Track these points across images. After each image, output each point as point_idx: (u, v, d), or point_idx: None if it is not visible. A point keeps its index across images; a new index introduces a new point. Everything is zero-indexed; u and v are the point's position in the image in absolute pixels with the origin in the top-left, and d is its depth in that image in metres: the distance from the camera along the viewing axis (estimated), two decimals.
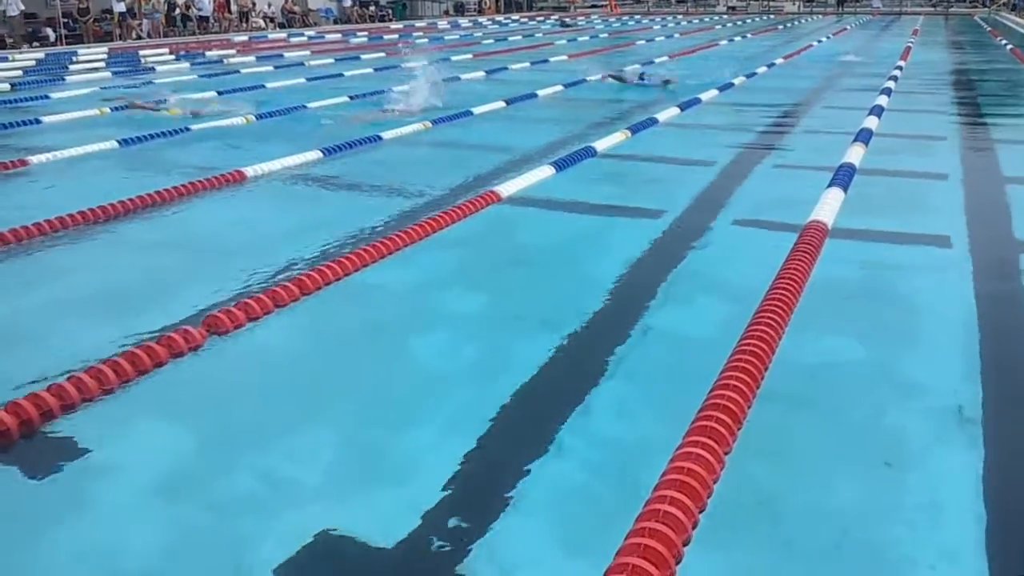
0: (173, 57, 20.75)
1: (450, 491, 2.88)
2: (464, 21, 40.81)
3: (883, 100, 11.47)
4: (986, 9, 45.77)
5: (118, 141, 8.94)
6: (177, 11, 30.66)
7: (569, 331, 4.17)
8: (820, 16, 46.38)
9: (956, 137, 9.37)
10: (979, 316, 4.28)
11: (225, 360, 3.93)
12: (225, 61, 19.84)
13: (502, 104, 11.84)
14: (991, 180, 7.34)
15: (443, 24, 37.60)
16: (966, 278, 4.82)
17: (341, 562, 2.57)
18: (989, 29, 31.01)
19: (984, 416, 3.31)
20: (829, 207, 5.80)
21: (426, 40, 27.72)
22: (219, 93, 13.40)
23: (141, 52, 21.45)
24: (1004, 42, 23.73)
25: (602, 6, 53.71)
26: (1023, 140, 9.51)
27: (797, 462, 3.08)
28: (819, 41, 25.09)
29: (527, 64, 18.36)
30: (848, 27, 34.28)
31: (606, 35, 30.15)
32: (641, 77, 14.29)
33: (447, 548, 2.59)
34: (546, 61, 19.15)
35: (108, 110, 11.33)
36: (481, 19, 43.04)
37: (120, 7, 27.42)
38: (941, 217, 6.06)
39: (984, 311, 4.34)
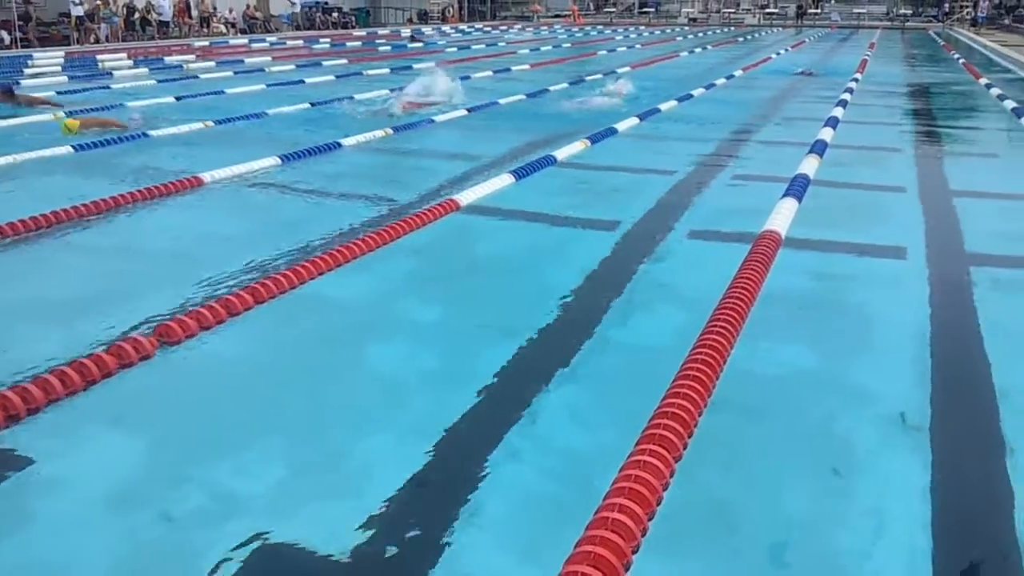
0: (131, 62, 20.49)
1: (405, 500, 2.87)
2: (427, 29, 40.79)
3: (839, 112, 11.67)
4: (940, 24, 46.76)
5: (73, 146, 8.83)
6: (137, 15, 30.29)
7: (526, 339, 4.18)
8: (779, 29, 47.07)
9: (910, 149, 9.54)
10: (930, 326, 4.35)
11: (176, 370, 3.87)
12: (185, 66, 19.66)
13: (463, 112, 11.86)
14: (944, 192, 7.49)
15: (406, 32, 37.55)
16: (918, 289, 4.90)
17: (295, 574, 2.55)
18: (943, 43, 31.69)
19: (931, 424, 3.37)
20: (783, 217, 5.88)
21: (389, 47, 27.68)
22: (177, 99, 13.29)
23: (99, 57, 21.15)
24: (957, 56, 24.25)
25: (565, 16, 54.02)
26: (976, 153, 9.71)
27: (748, 469, 3.11)
28: (778, 54, 25.45)
29: (489, 72, 18.40)
30: (807, 40, 34.82)
31: (568, 45, 30.30)
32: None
33: (402, 557, 2.58)
34: (508, 70, 19.21)
35: (62, 114, 11.15)
36: (445, 27, 43.06)
37: (78, 11, 27.02)
38: (894, 228, 6.16)
39: (935, 321, 4.42)
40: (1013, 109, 12.35)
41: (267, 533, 2.67)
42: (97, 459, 3.17)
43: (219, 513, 2.81)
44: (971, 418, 3.49)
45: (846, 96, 13.58)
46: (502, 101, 13.11)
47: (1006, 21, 38.66)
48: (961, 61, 22.26)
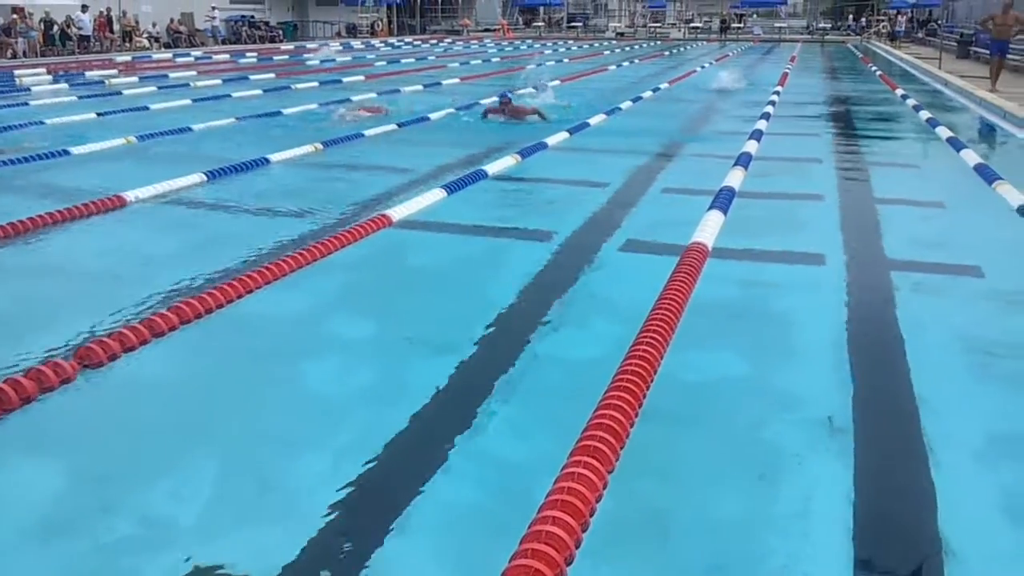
0: (51, 78, 19.96)
1: (340, 519, 2.85)
2: (357, 43, 40.59)
3: (762, 124, 11.94)
4: (858, 37, 48.30)
5: None
6: (56, 29, 29.49)
7: (461, 354, 4.17)
8: (704, 42, 48.02)
9: (830, 159, 9.81)
10: (850, 330, 4.47)
11: (100, 394, 3.77)
12: (107, 82, 19.21)
13: (394, 127, 11.81)
14: (862, 200, 7.71)
15: (335, 45, 37.31)
16: (839, 294, 5.03)
17: None
18: (861, 56, 32.74)
19: (854, 426, 3.46)
20: (710, 229, 5.99)
21: (317, 61, 27.46)
22: (99, 115, 12.97)
23: (16, 72, 20.53)
24: (874, 68, 25.07)
25: (495, 30, 54.31)
26: (892, 162, 10.01)
27: (680, 477, 3.16)
28: (703, 67, 25.95)
29: (419, 87, 18.39)
30: (730, 53, 35.57)
31: (498, 59, 30.45)
32: (502, 105, 12.47)
33: None
34: (439, 84, 19.21)
35: None
36: (374, 41, 42.90)
37: None
38: (816, 237, 6.32)
39: (854, 326, 4.54)
40: (928, 120, 12.80)
41: (199, 559, 2.62)
42: (18, 488, 3.08)
43: (149, 539, 2.75)
44: (892, 420, 3.59)
45: (769, 109, 13.90)
46: (432, 116, 13.10)
47: (919, 35, 40.15)
48: (878, 73, 23.01)
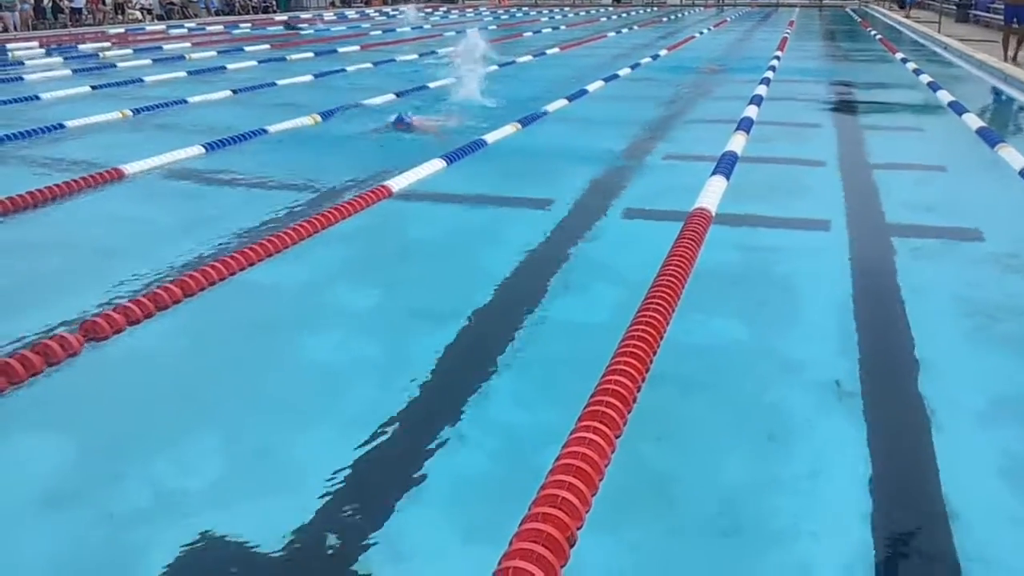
0: (43, 51, 19.77)
1: (347, 488, 2.86)
2: (351, 12, 40.22)
3: (762, 90, 11.86)
4: (856, 1, 47.84)
5: None
6: (47, 2, 29.18)
7: (464, 323, 4.18)
8: (702, 8, 47.59)
9: (831, 125, 9.76)
10: (855, 294, 4.48)
11: (105, 367, 3.78)
12: (101, 55, 19.03)
13: (392, 97, 11.73)
14: (864, 165, 7.68)
15: (329, 15, 36.97)
16: (842, 259, 5.04)
17: (235, 568, 2.51)
18: (860, 20, 32.47)
19: (860, 388, 3.48)
20: (713, 194, 5.97)
21: (312, 31, 27.21)
22: (93, 88, 12.87)
23: (8, 46, 20.33)
24: (873, 32, 24.86)
25: None
26: (893, 126, 9.95)
27: (687, 441, 3.17)
28: (700, 33, 25.74)
29: (415, 56, 18.24)
30: (728, 19, 35.30)
31: (495, 27, 30.19)
32: (401, 122, 9.53)
33: (344, 546, 2.56)
34: (434, 53, 19.04)
35: None
36: (368, 10, 42.50)
37: None
38: (818, 202, 6.31)
39: (859, 289, 4.55)
40: (928, 83, 12.72)
41: (207, 528, 2.63)
42: (28, 460, 3.09)
43: (157, 509, 2.77)
44: (894, 382, 3.60)
45: (769, 74, 13.80)
46: (431, 85, 12.99)
47: None
48: (878, 37, 22.83)
